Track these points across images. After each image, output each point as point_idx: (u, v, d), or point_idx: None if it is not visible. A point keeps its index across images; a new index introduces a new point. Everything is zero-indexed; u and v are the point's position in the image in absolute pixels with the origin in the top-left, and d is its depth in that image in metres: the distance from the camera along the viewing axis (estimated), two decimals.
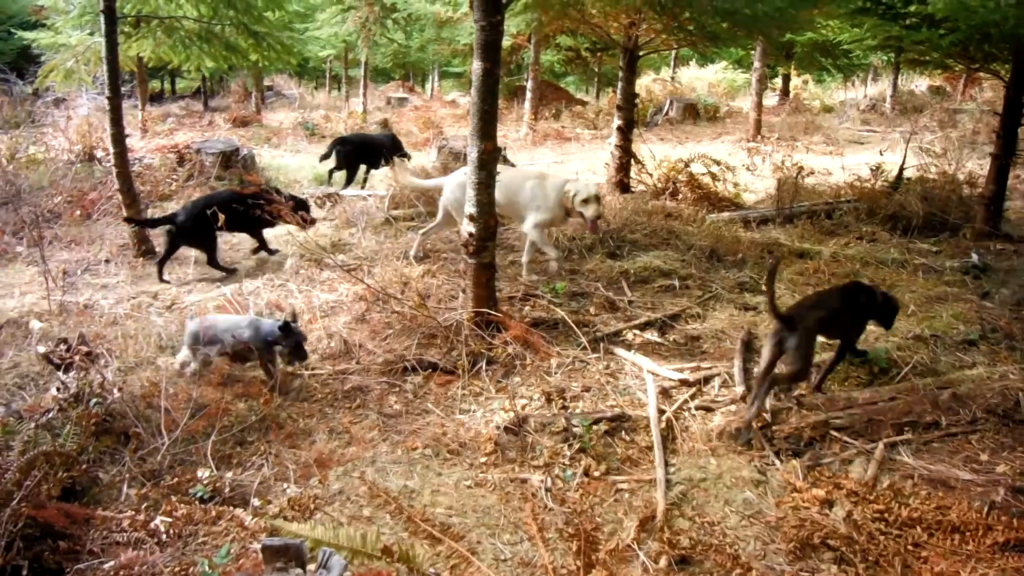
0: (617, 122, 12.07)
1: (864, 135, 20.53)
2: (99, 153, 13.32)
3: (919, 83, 28.55)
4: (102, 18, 8.94)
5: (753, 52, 20.19)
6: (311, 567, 3.11)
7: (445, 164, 12.71)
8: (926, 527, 4.30)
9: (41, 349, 6.45)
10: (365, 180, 14.67)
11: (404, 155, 14.99)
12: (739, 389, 5.96)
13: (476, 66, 6.24)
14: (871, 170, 11.69)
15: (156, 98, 32.54)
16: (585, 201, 8.06)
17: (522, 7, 10.38)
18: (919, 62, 12.91)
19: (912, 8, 9.26)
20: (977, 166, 12.23)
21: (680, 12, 9.88)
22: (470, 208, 6.52)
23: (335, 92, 35.70)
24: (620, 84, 12.01)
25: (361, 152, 14.60)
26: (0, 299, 8.40)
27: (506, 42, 24.20)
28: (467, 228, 6.58)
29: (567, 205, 8.17)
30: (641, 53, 12.00)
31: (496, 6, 6.09)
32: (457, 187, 8.31)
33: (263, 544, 3.10)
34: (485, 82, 6.23)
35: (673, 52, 27.55)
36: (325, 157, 14.47)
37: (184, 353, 6.28)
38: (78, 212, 10.97)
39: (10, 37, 23.13)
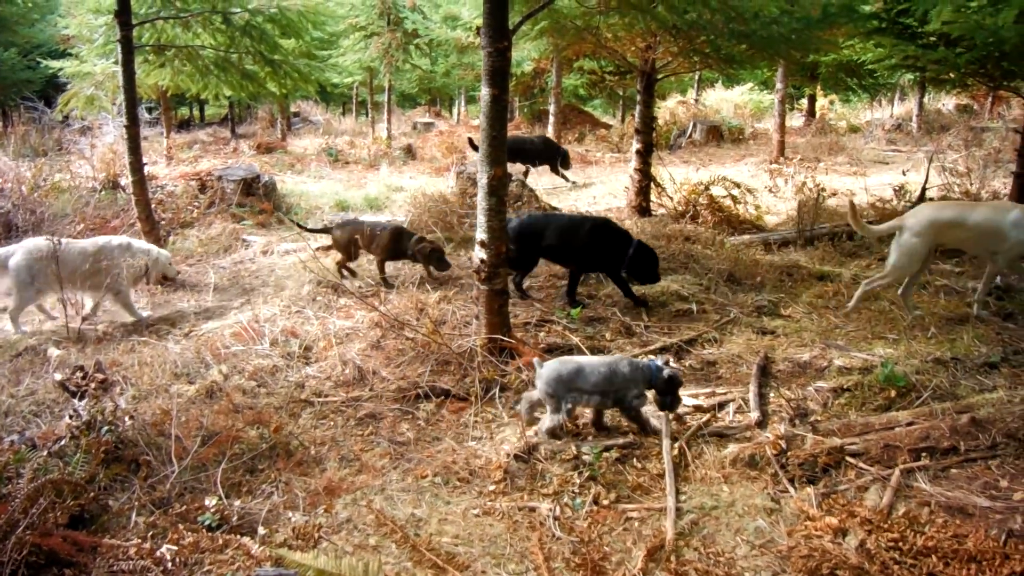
0: (636, 146, 12.06)
1: (889, 155, 20.40)
2: (123, 181, 13.44)
3: (946, 102, 28.38)
4: (119, 47, 9.06)
5: (774, 73, 20.12)
6: None
7: (463, 189, 12.70)
8: (942, 556, 4.19)
9: (58, 376, 6.49)
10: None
11: (563, 158, 17.26)
12: (754, 415, 5.88)
13: (484, 92, 6.25)
14: (894, 190, 11.61)
15: (184, 125, 32.96)
16: None
17: (537, 32, 10.40)
18: (941, 81, 12.86)
19: (929, 27, 9.20)
20: (1001, 185, 12.11)
21: (695, 35, 9.86)
22: (481, 234, 6.52)
23: (362, 118, 35.89)
24: (638, 108, 12.00)
25: (509, 153, 15.81)
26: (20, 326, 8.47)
27: (528, 66, 24.60)
28: (478, 255, 6.57)
29: None
30: (659, 76, 11.99)
31: (503, 32, 6.10)
32: (926, 225, 7.73)
33: (255, 574, 3.08)
34: (493, 108, 6.24)
35: (696, 74, 27.52)
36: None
37: (526, 404, 5.85)
38: None
39: (38, 66, 23.43)
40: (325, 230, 10.37)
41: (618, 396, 5.57)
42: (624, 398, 5.57)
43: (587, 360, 5.75)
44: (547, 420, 5.62)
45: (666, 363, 5.68)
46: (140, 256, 8.68)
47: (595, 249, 8.41)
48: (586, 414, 5.97)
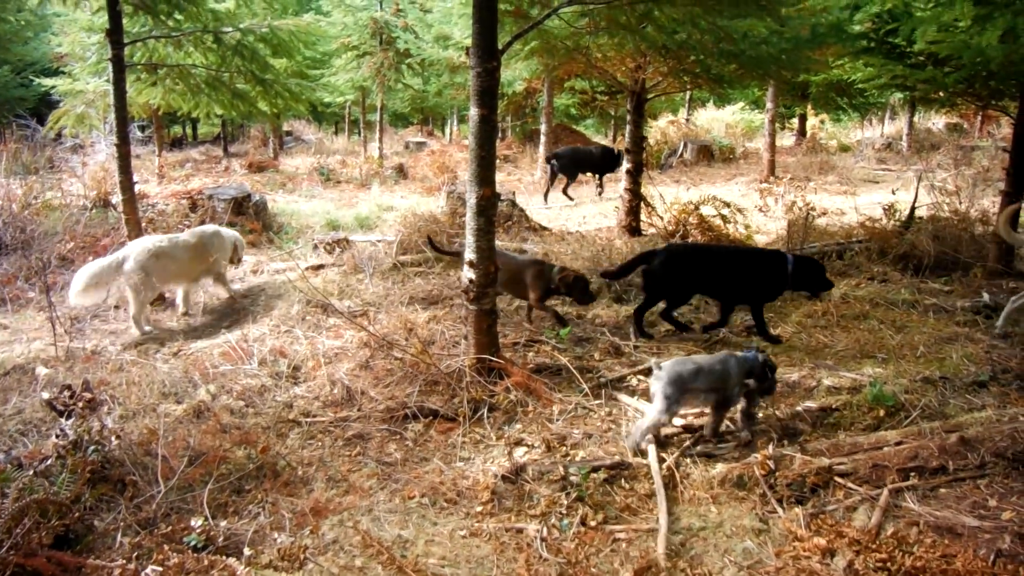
0: (626, 165, 12.08)
1: (879, 174, 20.48)
2: (114, 199, 13.42)
3: (936, 121, 28.50)
4: (110, 66, 9.08)
5: (765, 93, 20.21)
6: None
7: (453, 209, 12.69)
8: None
9: (45, 395, 6.45)
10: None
11: (619, 158, 17.42)
12: (743, 434, 5.88)
13: (473, 112, 6.26)
14: (883, 209, 11.63)
15: (177, 144, 32.95)
16: None
17: (528, 52, 10.42)
18: (930, 100, 12.92)
19: (916, 47, 9.25)
20: (990, 204, 12.14)
21: (685, 55, 9.89)
22: (470, 254, 6.52)
23: (354, 137, 35.89)
24: (628, 127, 12.03)
25: (572, 163, 18.33)
26: (8, 344, 8.44)
27: (519, 86, 24.64)
28: (467, 274, 6.57)
29: None
30: (649, 96, 12.03)
31: (491, 52, 6.12)
32: None
33: None
34: (482, 128, 6.25)
35: (687, 94, 27.60)
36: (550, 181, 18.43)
37: (658, 412, 5.67)
38: (91, 258, 11.01)
39: (31, 84, 23.53)
40: (457, 254, 9.11)
41: (727, 393, 5.75)
42: (731, 395, 5.77)
43: (702, 359, 5.88)
44: (647, 417, 5.69)
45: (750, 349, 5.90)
46: (230, 240, 9.77)
47: (761, 277, 7.91)
48: (576, 432, 5.97)
